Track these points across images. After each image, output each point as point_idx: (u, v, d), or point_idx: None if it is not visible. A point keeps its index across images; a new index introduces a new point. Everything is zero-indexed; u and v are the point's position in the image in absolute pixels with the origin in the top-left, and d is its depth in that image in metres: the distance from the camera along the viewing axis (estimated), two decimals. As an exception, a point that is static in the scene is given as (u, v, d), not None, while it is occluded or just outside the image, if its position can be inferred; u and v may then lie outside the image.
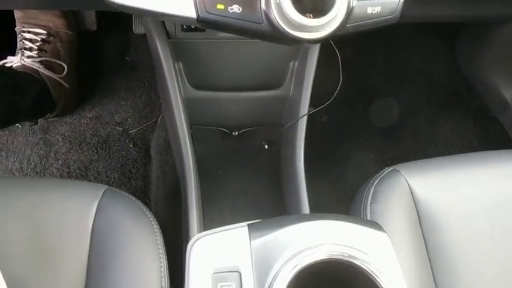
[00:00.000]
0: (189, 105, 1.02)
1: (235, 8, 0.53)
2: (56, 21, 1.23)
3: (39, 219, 0.66)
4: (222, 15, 0.54)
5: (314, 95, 0.99)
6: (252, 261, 0.43)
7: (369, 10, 0.57)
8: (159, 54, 0.91)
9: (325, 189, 1.27)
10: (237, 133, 1.19)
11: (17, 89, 1.08)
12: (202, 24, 0.56)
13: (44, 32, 1.21)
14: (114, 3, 0.57)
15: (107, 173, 1.27)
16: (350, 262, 0.42)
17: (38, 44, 1.20)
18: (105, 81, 1.39)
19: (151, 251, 0.65)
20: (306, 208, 0.96)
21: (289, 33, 0.53)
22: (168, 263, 0.66)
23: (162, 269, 0.64)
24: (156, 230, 0.67)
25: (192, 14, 0.55)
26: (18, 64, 1.17)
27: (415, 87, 1.47)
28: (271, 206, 1.14)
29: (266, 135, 1.22)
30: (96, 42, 1.42)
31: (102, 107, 1.36)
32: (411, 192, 0.71)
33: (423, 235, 0.69)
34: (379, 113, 1.42)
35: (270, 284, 0.41)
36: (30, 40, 1.20)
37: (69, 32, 1.26)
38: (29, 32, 1.20)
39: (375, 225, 0.47)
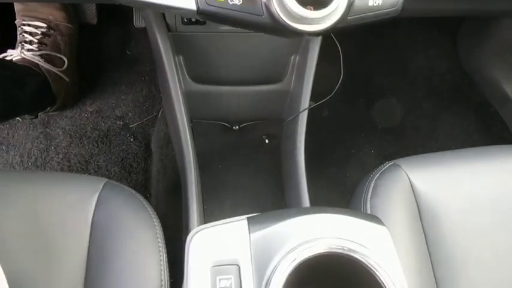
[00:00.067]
0: (190, 99, 1.01)
1: (236, 0, 0.53)
2: (56, 14, 1.22)
3: (39, 212, 0.66)
4: (222, 7, 0.53)
5: (315, 90, 0.99)
6: (251, 254, 0.43)
7: (370, 2, 0.56)
8: (159, 48, 0.91)
9: (326, 183, 1.27)
10: (237, 127, 1.19)
11: (16, 82, 1.08)
12: (202, 16, 0.56)
13: (44, 25, 1.20)
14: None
15: (108, 167, 1.27)
16: (349, 256, 0.42)
17: (38, 37, 1.19)
18: (105, 75, 1.39)
19: (151, 244, 0.65)
20: (306, 202, 0.96)
21: (289, 25, 0.53)
22: (168, 256, 0.66)
23: (161, 262, 0.64)
24: (155, 223, 0.67)
25: (192, 6, 0.54)
26: (18, 57, 1.17)
27: (416, 82, 1.47)
28: (272, 201, 1.14)
29: (267, 129, 1.22)
30: (96, 35, 1.41)
31: (102, 101, 1.36)
32: (411, 186, 0.70)
33: (423, 229, 0.69)
34: (380, 108, 1.41)
35: (269, 277, 0.41)
36: (30, 33, 1.19)
37: (69, 25, 1.25)
38: (29, 25, 1.20)
39: (374, 219, 0.47)
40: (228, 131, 1.21)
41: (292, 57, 1.00)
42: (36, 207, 0.66)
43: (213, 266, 0.43)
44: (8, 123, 1.30)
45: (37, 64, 1.17)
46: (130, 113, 1.34)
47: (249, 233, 0.45)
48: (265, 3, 0.53)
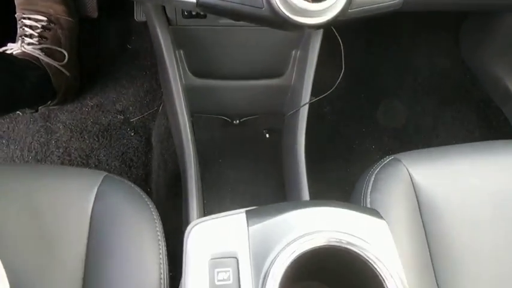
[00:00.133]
0: (190, 93, 1.01)
1: (235, -8, 0.53)
2: (56, 8, 1.22)
3: (38, 205, 0.66)
4: (221, -1, 0.53)
5: (317, 86, 0.99)
6: (249, 247, 0.43)
7: (371, -5, 0.56)
8: (159, 41, 0.91)
9: (326, 179, 1.26)
10: (238, 121, 1.19)
11: (16, 76, 1.08)
12: (202, 9, 0.56)
13: (45, 18, 1.20)
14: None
15: (108, 161, 1.27)
16: (348, 249, 0.42)
17: (38, 30, 1.19)
18: (106, 69, 1.39)
19: (150, 237, 0.65)
20: (306, 197, 0.96)
21: (290, 18, 0.52)
22: (168, 250, 0.66)
23: (161, 256, 0.64)
24: (155, 216, 0.67)
25: (192, -2, 0.54)
26: (19, 51, 1.17)
27: (418, 79, 1.46)
28: (272, 195, 1.14)
29: (267, 123, 1.22)
30: (97, 29, 1.41)
31: (103, 95, 1.36)
32: (412, 180, 0.70)
33: (423, 224, 0.69)
34: (381, 104, 1.41)
35: (267, 270, 0.41)
36: (31, 27, 1.19)
37: (70, 19, 1.25)
38: (29, 18, 1.19)
39: (373, 212, 0.46)
40: (228, 125, 1.20)
41: (293, 51, 0.99)
42: (35, 200, 0.66)
43: (212, 259, 0.43)
44: (8, 117, 1.30)
45: (37, 58, 1.17)
46: (131, 107, 1.34)
47: (248, 226, 0.45)
48: (265, -4, 0.52)
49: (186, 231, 0.46)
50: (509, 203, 0.70)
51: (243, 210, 0.47)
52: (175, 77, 0.95)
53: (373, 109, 1.40)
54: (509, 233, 0.68)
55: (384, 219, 0.46)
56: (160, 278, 0.62)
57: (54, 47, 1.21)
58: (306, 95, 0.98)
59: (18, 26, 1.21)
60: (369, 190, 0.69)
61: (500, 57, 1.36)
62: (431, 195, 0.69)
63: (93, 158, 1.28)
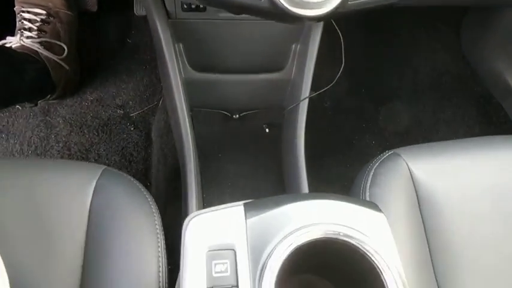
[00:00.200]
0: (190, 87, 1.01)
1: (234, -17, 0.52)
2: (55, 1, 1.21)
3: (36, 199, 0.66)
4: (220, -10, 0.53)
5: (316, 80, 0.98)
6: (247, 240, 0.43)
7: (371, -13, 0.55)
8: (159, 35, 0.90)
9: (326, 173, 1.26)
10: (237, 116, 1.19)
11: (16, 69, 1.08)
12: (201, 1, 0.55)
13: (44, 12, 1.20)
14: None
15: (108, 156, 1.27)
16: (346, 241, 0.42)
17: (37, 24, 1.19)
18: (106, 63, 1.38)
19: (148, 230, 0.65)
20: (305, 191, 0.96)
21: (289, 9, 0.52)
22: (167, 244, 0.66)
23: (159, 249, 0.64)
24: (153, 209, 0.66)
25: (190, -11, 0.54)
26: (18, 44, 1.16)
27: (418, 74, 1.46)
28: (271, 189, 1.13)
29: (267, 118, 1.21)
30: (96, 23, 1.40)
31: (103, 89, 1.35)
32: (411, 175, 0.70)
33: (422, 219, 0.68)
34: (381, 99, 1.41)
35: (265, 262, 0.41)
36: (30, 20, 1.19)
37: (69, 13, 1.24)
38: (28, 12, 1.19)
39: (372, 205, 0.46)
40: (228, 120, 1.20)
41: (293, 45, 0.99)
42: (33, 194, 0.66)
43: (209, 251, 0.43)
44: (7, 111, 1.30)
45: (36, 51, 1.17)
46: (130, 102, 1.34)
47: (246, 218, 0.44)
48: (264, -13, 0.52)
49: (184, 223, 0.45)
50: (509, 198, 0.69)
51: (241, 202, 0.46)
52: (175, 71, 0.94)
53: (373, 104, 1.40)
54: (508, 228, 0.68)
55: (383, 212, 0.46)
56: (159, 271, 0.62)
57: (53, 41, 1.20)
58: (306, 90, 0.98)
59: (17, 20, 1.21)
60: (368, 185, 0.69)
61: (500, 52, 1.36)
62: (431, 190, 0.69)
63: (93, 152, 1.27)
